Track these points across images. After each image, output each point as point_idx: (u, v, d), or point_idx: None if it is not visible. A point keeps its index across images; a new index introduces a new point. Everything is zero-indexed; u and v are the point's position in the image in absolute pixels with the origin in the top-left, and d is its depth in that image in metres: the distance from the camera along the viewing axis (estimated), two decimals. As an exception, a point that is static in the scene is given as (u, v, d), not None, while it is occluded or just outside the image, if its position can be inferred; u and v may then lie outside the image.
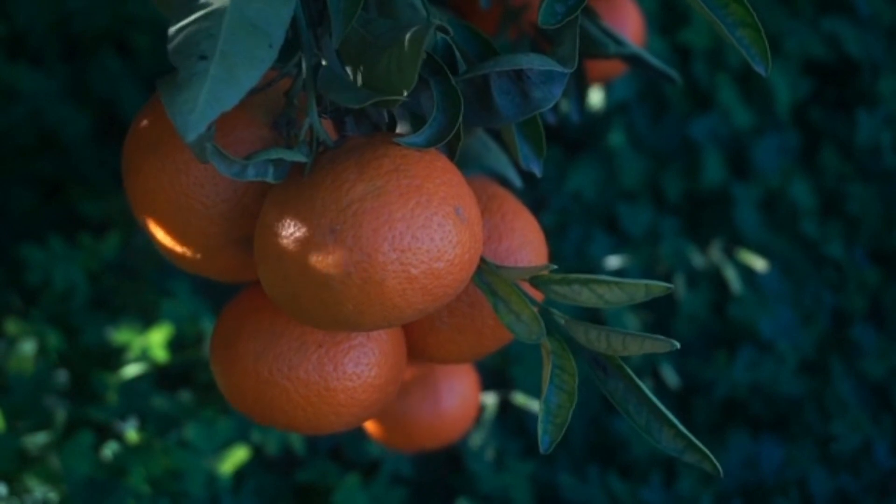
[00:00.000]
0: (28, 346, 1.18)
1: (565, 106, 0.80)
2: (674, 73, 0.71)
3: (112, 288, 1.30)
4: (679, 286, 1.56)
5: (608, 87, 1.58)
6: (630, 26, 0.91)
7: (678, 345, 0.47)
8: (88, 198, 1.36)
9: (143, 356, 1.20)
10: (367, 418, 0.59)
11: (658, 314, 1.56)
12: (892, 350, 1.64)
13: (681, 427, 0.49)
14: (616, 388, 0.51)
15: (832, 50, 1.73)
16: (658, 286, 0.49)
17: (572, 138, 1.65)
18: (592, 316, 1.48)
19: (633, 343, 0.49)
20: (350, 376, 0.56)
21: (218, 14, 0.46)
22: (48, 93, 1.37)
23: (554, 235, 1.56)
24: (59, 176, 1.41)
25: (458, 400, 0.77)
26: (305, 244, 0.48)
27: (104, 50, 1.44)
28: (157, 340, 1.19)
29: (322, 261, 0.47)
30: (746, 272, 1.60)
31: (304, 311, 0.50)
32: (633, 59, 0.72)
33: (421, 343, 0.62)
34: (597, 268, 1.53)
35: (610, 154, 1.60)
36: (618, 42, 0.71)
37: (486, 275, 0.55)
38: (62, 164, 1.40)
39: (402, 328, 0.61)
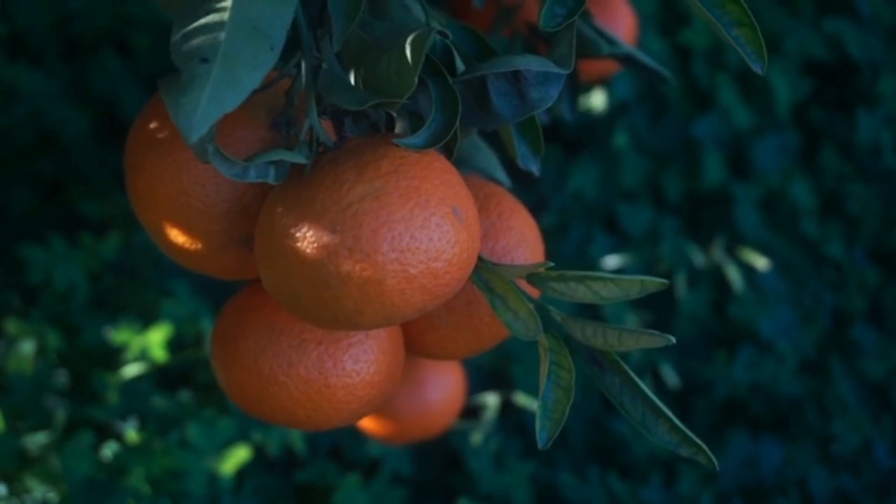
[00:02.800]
0: (28, 346, 1.18)
1: (558, 107, 0.80)
2: (666, 73, 0.72)
3: (112, 288, 1.30)
4: (679, 286, 1.56)
5: (609, 88, 1.58)
6: (623, 26, 0.92)
7: (674, 339, 0.48)
8: (88, 198, 1.36)
9: (143, 356, 1.20)
10: (365, 414, 0.59)
11: (658, 314, 1.56)
12: (892, 350, 1.64)
13: (676, 421, 0.50)
14: (612, 383, 0.52)
15: (832, 50, 1.74)
16: (653, 282, 0.50)
17: (573, 138, 1.66)
18: (592, 315, 1.48)
19: (629, 338, 0.50)
20: (349, 373, 0.57)
21: (220, 17, 0.47)
22: (48, 93, 1.38)
23: (554, 235, 1.56)
24: (59, 176, 1.41)
25: (443, 393, 0.78)
26: (306, 244, 0.48)
27: (104, 50, 1.44)
28: (155, 340, 1.19)
29: (322, 261, 0.48)
30: (746, 272, 1.60)
31: (304, 309, 0.51)
32: (626, 59, 0.72)
33: (419, 340, 0.62)
34: (597, 267, 1.54)
35: (610, 154, 1.61)
36: (611, 42, 0.71)
37: (484, 273, 0.56)
38: (62, 164, 1.40)
39: (401, 325, 0.61)
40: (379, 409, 0.75)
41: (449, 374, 0.79)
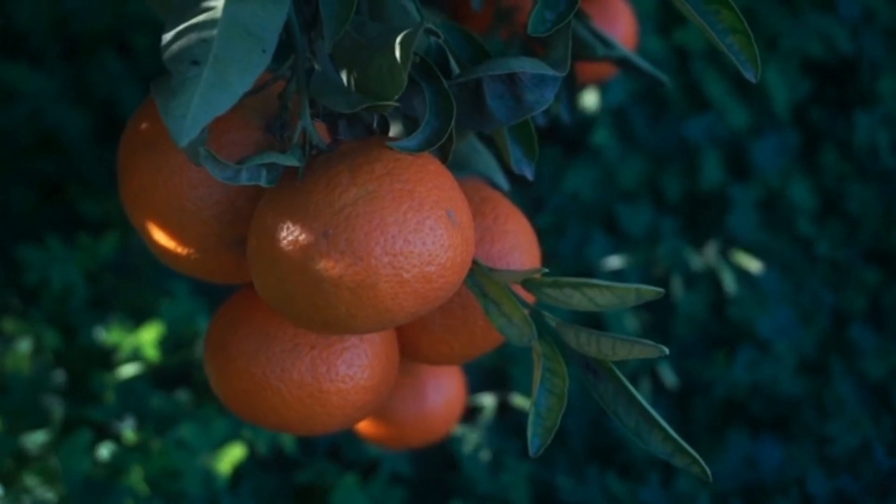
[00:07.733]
0: (24, 345, 1.18)
1: (556, 108, 0.80)
2: (663, 77, 0.71)
3: (111, 288, 1.30)
4: (678, 287, 1.56)
5: (606, 88, 1.58)
6: (622, 28, 0.91)
7: (667, 351, 0.47)
8: (88, 198, 1.36)
9: (136, 355, 1.20)
10: (359, 419, 0.59)
11: (657, 315, 1.56)
12: (892, 350, 1.64)
13: (670, 431, 0.50)
14: (606, 391, 0.52)
15: (831, 49, 1.73)
16: (649, 290, 0.49)
17: (570, 139, 1.65)
18: (592, 317, 1.48)
19: (623, 348, 0.49)
20: (343, 378, 0.56)
21: (212, 19, 0.47)
22: (48, 93, 1.37)
23: (552, 235, 1.56)
24: (59, 176, 1.41)
25: (444, 399, 0.78)
26: (299, 248, 0.48)
27: (104, 50, 1.44)
28: (148, 339, 1.19)
29: (315, 264, 0.48)
30: (745, 272, 1.60)
31: (297, 313, 0.50)
32: (622, 62, 0.72)
33: (414, 344, 0.62)
34: (595, 268, 1.53)
35: (608, 154, 1.60)
36: (607, 44, 0.71)
37: (479, 277, 0.55)
38: (62, 164, 1.40)
39: (395, 329, 0.61)
40: (374, 413, 0.75)
41: (449, 379, 0.78)
